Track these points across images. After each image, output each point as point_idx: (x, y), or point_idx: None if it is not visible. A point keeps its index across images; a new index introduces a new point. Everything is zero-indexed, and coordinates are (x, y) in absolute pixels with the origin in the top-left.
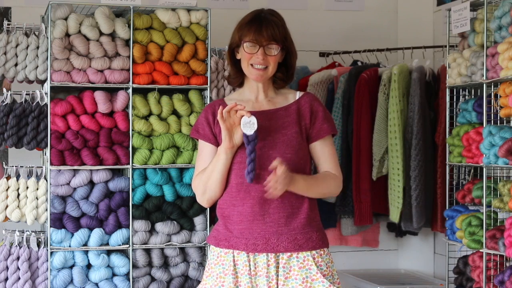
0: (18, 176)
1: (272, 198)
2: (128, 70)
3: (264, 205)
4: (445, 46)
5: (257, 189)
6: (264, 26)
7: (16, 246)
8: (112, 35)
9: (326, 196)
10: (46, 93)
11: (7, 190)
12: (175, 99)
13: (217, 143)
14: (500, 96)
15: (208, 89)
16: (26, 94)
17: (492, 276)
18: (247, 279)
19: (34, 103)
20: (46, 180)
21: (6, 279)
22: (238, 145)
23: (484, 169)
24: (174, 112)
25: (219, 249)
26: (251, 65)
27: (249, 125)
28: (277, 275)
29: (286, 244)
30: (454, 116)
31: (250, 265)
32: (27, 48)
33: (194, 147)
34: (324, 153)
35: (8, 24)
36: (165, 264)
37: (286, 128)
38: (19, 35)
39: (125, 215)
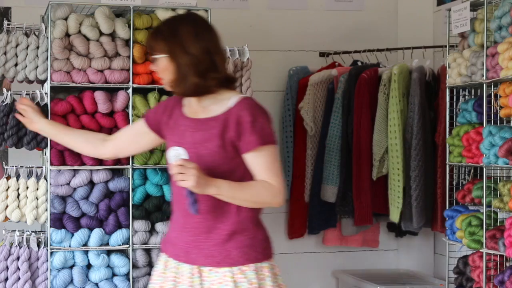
0: (18, 176)
1: (185, 186)
2: (128, 70)
3: (187, 218)
4: (445, 46)
5: (182, 201)
6: (148, 36)
7: (16, 246)
8: (112, 35)
9: (260, 206)
10: (46, 93)
11: (7, 190)
12: None
13: (154, 127)
14: (500, 96)
15: None
16: (26, 94)
17: (492, 276)
18: (170, 285)
19: (34, 103)
20: (46, 180)
21: (6, 279)
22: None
23: (484, 169)
24: None
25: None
26: None
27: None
28: (202, 286)
29: (203, 259)
30: (454, 116)
31: (176, 272)
32: (27, 48)
33: None
34: (257, 165)
35: (8, 24)
36: None
37: (208, 141)
38: (19, 35)
39: (125, 215)
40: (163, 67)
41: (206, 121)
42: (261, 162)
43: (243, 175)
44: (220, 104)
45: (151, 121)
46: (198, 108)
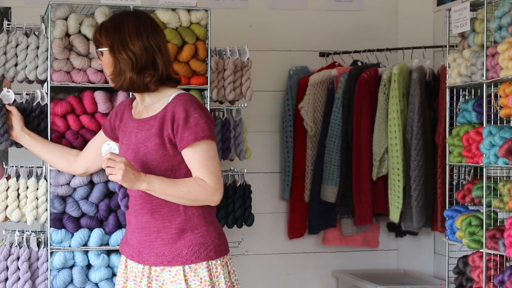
0: (18, 176)
1: (114, 180)
2: None
3: (137, 218)
4: (445, 46)
5: (131, 201)
6: (95, 29)
7: (16, 246)
8: None
9: (196, 203)
10: (46, 93)
11: (7, 190)
12: None
13: (111, 134)
14: (500, 96)
15: (208, 89)
16: (26, 94)
17: (492, 276)
18: (132, 284)
19: (35, 103)
20: (46, 180)
21: (6, 279)
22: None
23: (484, 169)
24: None
25: None
26: None
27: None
28: (150, 285)
29: (155, 259)
30: (454, 116)
31: (135, 271)
32: (27, 48)
33: None
34: (192, 161)
35: (8, 24)
36: None
37: (148, 140)
38: (19, 35)
39: (125, 215)
40: (106, 61)
41: (147, 121)
42: (195, 158)
43: (188, 173)
44: (161, 102)
45: (107, 129)
46: (142, 108)
